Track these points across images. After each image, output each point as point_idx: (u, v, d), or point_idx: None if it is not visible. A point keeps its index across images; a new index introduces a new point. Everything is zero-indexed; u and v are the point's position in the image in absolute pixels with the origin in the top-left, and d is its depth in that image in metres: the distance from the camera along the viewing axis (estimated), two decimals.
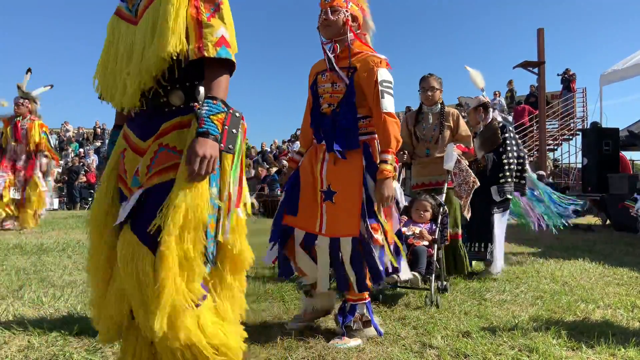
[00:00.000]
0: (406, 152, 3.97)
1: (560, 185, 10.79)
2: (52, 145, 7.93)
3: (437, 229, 3.41)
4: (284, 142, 19.30)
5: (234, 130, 1.51)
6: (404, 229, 3.31)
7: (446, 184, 3.73)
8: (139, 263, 1.44)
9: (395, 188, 2.41)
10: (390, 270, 2.42)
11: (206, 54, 1.48)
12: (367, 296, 2.49)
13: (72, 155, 18.37)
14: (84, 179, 16.39)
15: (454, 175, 3.67)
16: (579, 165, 10.39)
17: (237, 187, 1.56)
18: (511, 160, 4.14)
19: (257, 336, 2.40)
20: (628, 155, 10.57)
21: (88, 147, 20.56)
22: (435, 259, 3.29)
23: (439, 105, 3.98)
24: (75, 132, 21.80)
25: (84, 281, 3.67)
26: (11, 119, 7.15)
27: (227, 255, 1.57)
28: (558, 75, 16.61)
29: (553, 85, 16.46)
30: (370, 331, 2.45)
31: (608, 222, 8.77)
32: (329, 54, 2.48)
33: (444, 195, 3.66)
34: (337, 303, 2.71)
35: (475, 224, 4.06)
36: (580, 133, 11.75)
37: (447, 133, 3.93)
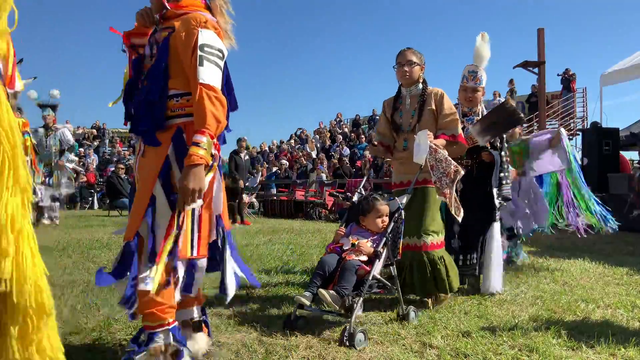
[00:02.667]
0: (375, 143, 3.38)
1: None
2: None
3: (386, 239, 2.71)
4: (282, 142, 19.34)
5: None
6: (342, 241, 2.80)
7: (413, 183, 2.99)
8: None
9: (213, 182, 1.90)
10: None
11: None
12: (171, 319, 1.88)
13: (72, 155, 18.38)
14: (84, 178, 16.42)
15: (432, 169, 2.93)
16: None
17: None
18: (506, 159, 3.67)
19: (257, 336, 2.41)
20: (628, 155, 10.57)
21: (88, 147, 20.60)
22: (371, 279, 2.54)
23: (420, 85, 3.22)
24: (76, 131, 21.82)
25: (84, 281, 3.68)
26: None
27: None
28: (558, 75, 16.67)
29: (553, 85, 16.51)
30: None
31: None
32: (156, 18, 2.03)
33: (406, 197, 2.89)
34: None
35: (474, 232, 3.51)
36: (580, 133, 11.75)
37: (430, 118, 3.15)
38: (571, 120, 16.43)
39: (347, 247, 2.73)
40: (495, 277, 3.41)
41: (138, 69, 2.04)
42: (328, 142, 18.04)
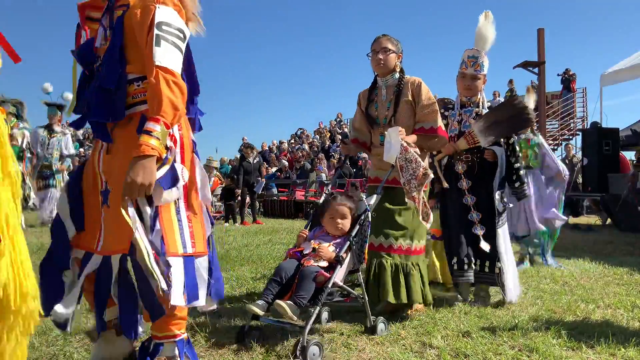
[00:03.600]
0: (345, 141, 3.18)
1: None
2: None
3: (349, 243, 2.49)
4: (281, 143, 19.36)
5: None
6: (303, 245, 2.61)
7: (383, 182, 2.79)
8: None
9: (195, 170, 1.70)
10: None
11: None
12: (178, 332, 1.78)
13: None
14: None
15: (401, 170, 2.69)
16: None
17: None
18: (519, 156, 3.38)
19: (255, 336, 2.40)
20: (628, 155, 10.57)
21: (88, 147, 20.61)
22: (331, 286, 2.32)
23: (397, 75, 2.97)
24: (76, 132, 21.81)
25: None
26: None
27: None
28: (558, 75, 16.68)
29: (553, 85, 16.51)
30: None
31: (608, 221, 8.78)
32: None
33: (374, 197, 2.69)
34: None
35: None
36: (580, 133, 11.76)
37: (406, 110, 2.91)
38: (571, 120, 16.42)
39: (307, 252, 2.52)
40: (515, 286, 3.20)
41: (89, 52, 1.82)
42: (328, 142, 18.04)
